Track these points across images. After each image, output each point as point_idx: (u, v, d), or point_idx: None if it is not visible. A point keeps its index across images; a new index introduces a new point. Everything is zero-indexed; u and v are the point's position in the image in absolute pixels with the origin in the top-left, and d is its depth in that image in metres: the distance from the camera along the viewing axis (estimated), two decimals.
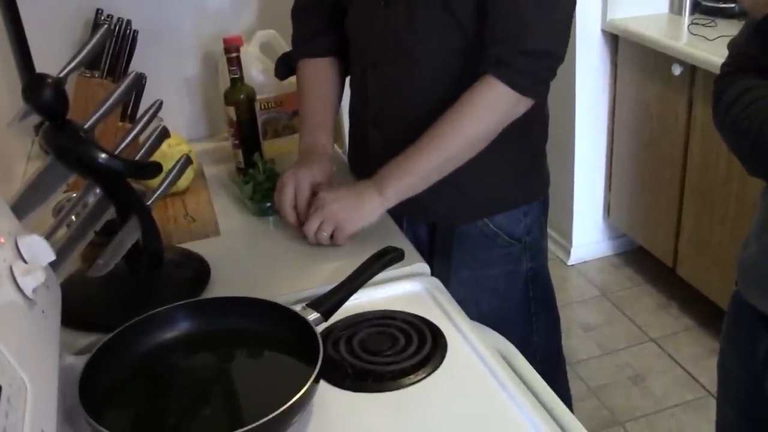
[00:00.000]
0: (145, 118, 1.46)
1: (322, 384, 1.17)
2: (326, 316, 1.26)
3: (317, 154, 1.72)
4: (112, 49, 2.01)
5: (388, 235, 1.64)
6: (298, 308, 1.25)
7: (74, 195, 1.45)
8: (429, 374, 1.23)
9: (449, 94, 1.59)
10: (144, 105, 1.88)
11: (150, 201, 1.43)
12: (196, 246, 1.63)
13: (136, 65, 2.00)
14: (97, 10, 2.05)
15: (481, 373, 1.23)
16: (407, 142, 1.60)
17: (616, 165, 3.65)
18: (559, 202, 3.66)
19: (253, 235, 1.72)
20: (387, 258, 1.39)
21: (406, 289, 1.47)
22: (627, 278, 3.71)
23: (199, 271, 1.52)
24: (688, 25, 3.26)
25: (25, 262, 1.00)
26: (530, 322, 1.87)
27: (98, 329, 1.31)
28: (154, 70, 1.99)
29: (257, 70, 2.04)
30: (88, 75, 2.00)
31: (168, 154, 1.74)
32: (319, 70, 1.85)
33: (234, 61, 1.88)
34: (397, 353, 1.26)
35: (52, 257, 1.05)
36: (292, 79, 2.08)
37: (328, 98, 1.83)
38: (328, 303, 1.27)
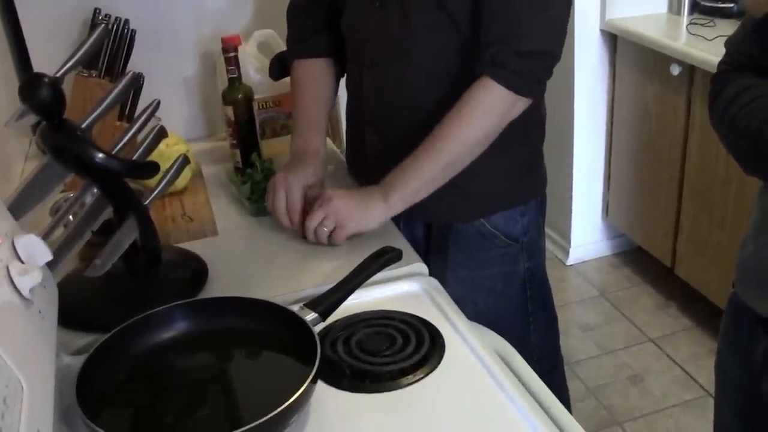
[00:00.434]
0: (143, 118, 1.45)
1: (320, 384, 1.17)
2: (324, 316, 1.26)
3: (309, 156, 1.72)
4: (109, 48, 2.01)
5: (386, 235, 1.64)
6: (295, 308, 1.25)
7: (71, 194, 1.45)
8: (427, 374, 1.23)
9: (446, 94, 1.59)
10: (142, 104, 1.88)
11: (148, 201, 1.42)
12: (194, 246, 1.63)
13: (134, 65, 2.00)
14: (95, 9, 2.04)
15: (479, 373, 1.23)
16: (404, 142, 1.60)
17: (614, 165, 3.65)
18: (557, 202, 3.66)
19: (250, 234, 1.72)
20: (385, 258, 1.39)
21: (404, 290, 1.46)
22: (625, 278, 3.71)
23: (196, 270, 1.52)
24: (687, 25, 3.25)
25: (22, 262, 1.00)
26: (527, 321, 1.87)
27: (95, 329, 1.31)
28: (151, 69, 1.99)
29: (255, 70, 2.04)
30: (85, 74, 2.00)
31: (166, 153, 1.74)
32: (313, 71, 1.85)
33: (232, 61, 1.88)
34: (395, 353, 1.26)
35: (49, 257, 1.04)
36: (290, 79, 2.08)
37: (322, 99, 1.83)
38: (325, 303, 1.27)
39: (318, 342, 1.14)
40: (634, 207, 3.58)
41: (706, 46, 2.93)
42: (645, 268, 3.70)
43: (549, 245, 3.76)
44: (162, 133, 1.49)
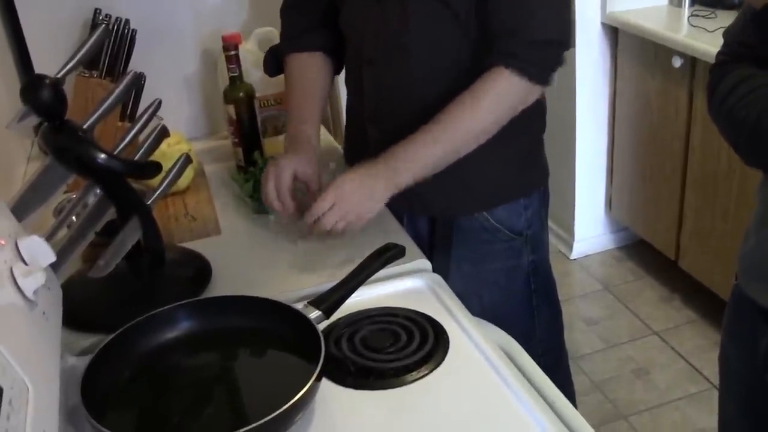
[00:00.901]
0: (144, 118, 1.45)
1: (325, 382, 1.18)
2: (328, 313, 1.26)
3: (300, 144, 1.71)
4: (110, 48, 2.01)
5: (389, 231, 1.64)
6: (299, 306, 1.25)
7: (74, 195, 1.45)
8: (431, 371, 1.23)
9: (446, 87, 1.59)
10: (143, 104, 1.88)
11: (150, 200, 1.43)
12: (197, 245, 1.63)
13: (135, 64, 2.00)
14: (96, 9, 2.04)
15: (484, 368, 1.23)
16: (405, 137, 1.60)
17: (617, 158, 3.65)
18: (560, 197, 3.66)
19: (253, 233, 1.72)
20: (388, 255, 1.39)
21: (408, 286, 1.46)
22: (629, 271, 3.70)
23: (200, 270, 1.52)
24: (688, 17, 3.25)
25: (26, 263, 1.00)
26: (532, 315, 1.87)
27: (100, 330, 1.31)
28: (153, 69, 1.99)
29: (256, 68, 2.03)
30: (86, 75, 2.00)
31: (168, 153, 1.74)
32: (307, 65, 1.83)
33: (233, 59, 1.88)
34: (399, 350, 1.27)
35: (53, 258, 1.05)
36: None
37: (315, 93, 1.81)
38: (329, 301, 1.27)
39: (322, 340, 1.15)
40: (637, 200, 3.58)
41: (708, 38, 2.92)
42: (648, 261, 3.70)
43: (552, 239, 3.75)
44: (164, 133, 1.49)
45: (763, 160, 1.28)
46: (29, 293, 0.98)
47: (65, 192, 1.57)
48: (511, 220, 1.77)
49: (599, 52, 3.48)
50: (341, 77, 1.90)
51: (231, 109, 1.90)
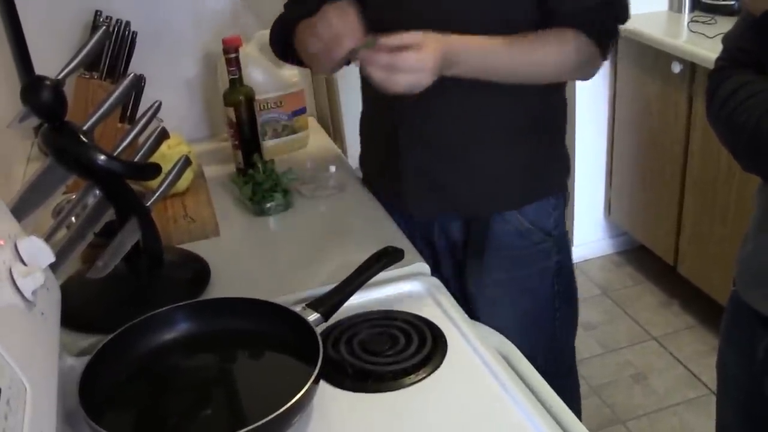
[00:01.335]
0: (144, 119, 1.45)
1: (323, 384, 1.18)
2: (326, 316, 1.26)
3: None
4: (111, 50, 2.01)
5: (388, 234, 1.64)
6: (298, 309, 1.25)
7: (74, 196, 1.45)
8: (429, 374, 1.23)
9: (492, 88, 1.53)
10: (143, 106, 1.88)
11: (149, 202, 1.43)
12: (196, 247, 1.63)
13: (135, 66, 2.00)
14: (96, 11, 2.05)
15: (482, 372, 1.23)
16: (443, 136, 1.59)
17: (616, 163, 3.65)
18: None
19: (252, 235, 1.72)
20: (387, 258, 1.39)
21: (407, 289, 1.46)
22: (628, 276, 3.70)
23: (198, 271, 1.52)
24: (688, 23, 3.25)
25: (25, 264, 1.00)
26: (554, 318, 1.84)
27: (98, 331, 1.31)
28: (153, 71, 1.99)
29: (256, 71, 2.04)
30: (87, 76, 2.00)
31: (167, 155, 1.74)
32: None
33: (233, 62, 1.88)
34: (397, 353, 1.26)
35: (52, 259, 1.05)
36: (292, 77, 2.08)
37: None
38: (328, 303, 1.28)
39: (320, 342, 1.15)
40: (636, 205, 3.58)
41: (707, 44, 2.92)
42: (647, 266, 3.70)
43: None
44: (163, 135, 1.49)
45: (761, 165, 1.28)
46: (28, 294, 0.98)
47: (64, 192, 1.57)
48: (542, 220, 1.74)
49: None
50: (340, 76, 1.87)
51: (231, 111, 1.91)
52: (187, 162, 1.52)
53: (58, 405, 0.99)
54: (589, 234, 3.84)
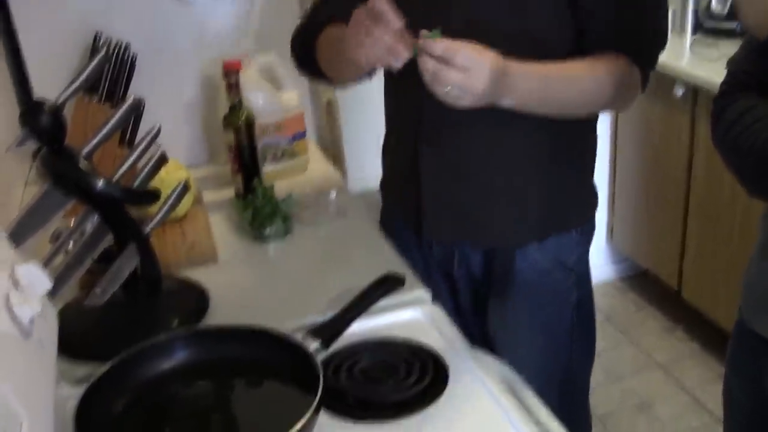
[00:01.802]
0: (144, 144, 1.45)
1: (323, 414, 1.16)
2: (327, 344, 1.25)
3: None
4: (110, 73, 2.00)
5: (389, 261, 1.62)
6: (298, 336, 1.24)
7: (72, 221, 1.44)
8: (431, 403, 1.21)
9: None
10: (143, 129, 1.87)
11: (148, 228, 1.42)
12: (195, 273, 1.62)
13: (135, 89, 1.99)
14: (96, 33, 2.04)
15: (484, 401, 1.22)
16: (465, 161, 1.57)
17: (618, 187, 3.64)
18: None
19: (252, 261, 1.71)
20: (388, 285, 1.38)
21: (408, 317, 1.45)
22: (631, 302, 3.68)
23: (197, 298, 1.51)
24: (690, 45, 3.25)
25: (22, 290, 0.99)
26: (570, 350, 1.82)
27: (96, 359, 1.29)
28: (152, 93, 1.97)
29: (256, 95, 2.03)
30: (86, 99, 1.99)
31: (166, 180, 1.72)
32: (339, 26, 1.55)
33: (233, 86, 1.87)
34: (398, 382, 1.25)
35: (50, 286, 1.03)
36: (292, 101, 2.07)
37: None
38: (328, 331, 1.26)
39: (321, 372, 1.13)
40: (639, 229, 3.57)
41: (710, 67, 2.92)
42: (651, 292, 3.68)
43: None
44: (163, 160, 1.48)
45: (767, 187, 1.28)
46: (25, 321, 0.96)
47: (63, 217, 1.56)
48: (564, 257, 1.72)
49: None
50: (341, 99, 1.85)
51: (230, 135, 1.90)
52: (185, 188, 1.52)
53: None
54: (591, 260, 3.81)
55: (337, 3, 1.58)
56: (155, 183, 1.45)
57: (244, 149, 1.91)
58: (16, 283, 0.99)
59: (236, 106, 1.89)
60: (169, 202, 1.48)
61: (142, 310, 1.46)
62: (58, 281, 1.28)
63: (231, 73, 1.86)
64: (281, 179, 2.04)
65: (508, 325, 1.70)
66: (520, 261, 1.67)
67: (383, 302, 1.38)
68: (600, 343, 3.37)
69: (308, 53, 1.66)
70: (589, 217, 1.80)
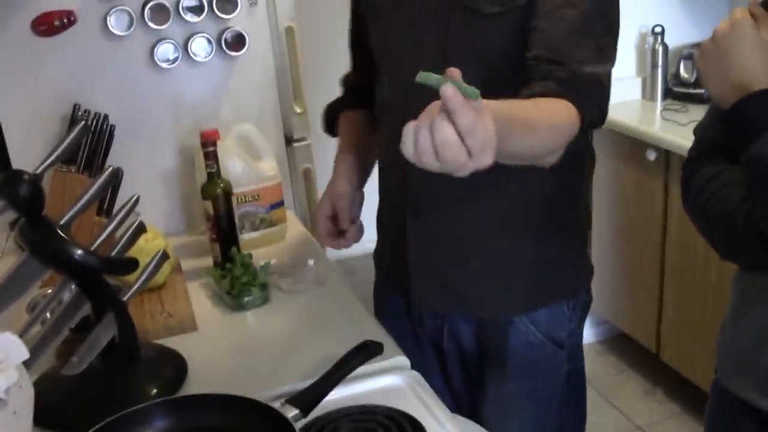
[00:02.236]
0: (122, 214, 1.45)
1: None
2: (306, 412, 1.24)
3: (336, 197, 1.77)
4: (89, 143, 2.01)
5: (367, 328, 1.62)
6: (277, 405, 1.23)
7: (49, 291, 1.43)
8: None
9: (516, 177, 1.44)
10: (120, 198, 1.88)
11: (126, 297, 1.41)
12: (173, 341, 1.61)
13: (113, 159, 2.00)
14: (74, 105, 2.05)
15: None
16: (451, 230, 1.59)
17: (595, 251, 3.66)
18: None
19: (230, 329, 1.71)
20: (366, 351, 1.38)
21: (387, 383, 1.45)
22: (611, 365, 3.68)
23: (176, 367, 1.50)
24: (661, 111, 3.31)
25: None
26: (560, 422, 1.79)
27: (72, 429, 1.28)
28: (130, 163, 1.98)
29: (234, 164, 2.04)
30: (64, 170, 2.00)
31: (144, 248, 1.72)
32: (353, 119, 1.86)
33: (211, 155, 1.88)
34: None
35: (26, 356, 1.03)
36: (269, 170, 2.09)
37: (358, 145, 1.80)
38: (307, 399, 1.26)
39: None
40: (616, 293, 3.58)
41: (681, 131, 2.98)
42: (630, 354, 3.68)
43: None
44: (141, 229, 1.48)
45: (738, 254, 1.29)
46: (0, 392, 0.96)
47: (40, 287, 1.55)
48: (555, 331, 1.68)
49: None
50: (319, 169, 1.88)
51: (208, 205, 1.90)
52: (164, 257, 1.52)
53: None
54: None
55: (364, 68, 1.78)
56: (134, 252, 1.45)
57: (221, 218, 1.91)
58: None
59: (214, 176, 1.90)
60: (148, 270, 1.48)
61: (120, 379, 1.44)
62: (35, 351, 1.27)
63: (208, 142, 1.88)
64: (259, 247, 2.04)
65: (497, 397, 1.70)
66: (509, 334, 1.67)
67: (362, 369, 1.38)
68: None
69: (331, 129, 1.92)
70: (582, 289, 1.74)
